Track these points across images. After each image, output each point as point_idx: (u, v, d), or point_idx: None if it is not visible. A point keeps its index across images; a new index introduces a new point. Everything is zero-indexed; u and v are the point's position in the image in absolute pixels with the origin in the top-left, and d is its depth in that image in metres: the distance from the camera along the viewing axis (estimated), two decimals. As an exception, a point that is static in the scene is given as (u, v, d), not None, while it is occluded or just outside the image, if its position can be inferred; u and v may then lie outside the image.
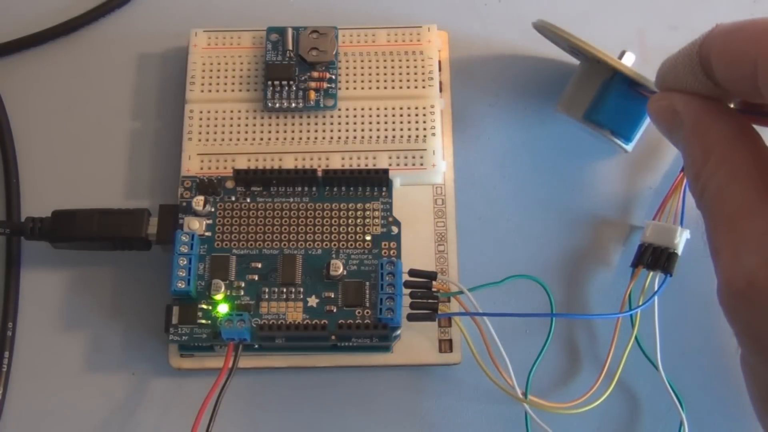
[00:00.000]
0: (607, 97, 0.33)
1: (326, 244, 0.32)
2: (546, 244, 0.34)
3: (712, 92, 0.25)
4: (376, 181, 0.33)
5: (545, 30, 0.34)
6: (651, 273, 0.32)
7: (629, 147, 0.33)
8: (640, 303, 0.31)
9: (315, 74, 0.34)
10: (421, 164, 0.34)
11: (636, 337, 0.32)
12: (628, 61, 0.33)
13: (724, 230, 0.23)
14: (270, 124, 0.34)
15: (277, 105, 0.34)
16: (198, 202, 0.32)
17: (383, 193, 0.33)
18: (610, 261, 0.34)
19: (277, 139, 0.34)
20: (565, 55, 0.37)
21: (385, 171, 0.33)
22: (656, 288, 0.31)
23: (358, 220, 0.33)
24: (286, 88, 0.34)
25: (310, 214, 0.33)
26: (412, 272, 0.31)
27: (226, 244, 0.32)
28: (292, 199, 0.33)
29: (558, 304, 0.31)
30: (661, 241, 0.32)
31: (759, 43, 0.22)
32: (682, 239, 0.32)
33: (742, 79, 0.23)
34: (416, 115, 0.34)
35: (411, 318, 0.30)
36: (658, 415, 0.32)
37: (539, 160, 0.35)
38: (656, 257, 0.32)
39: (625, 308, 0.32)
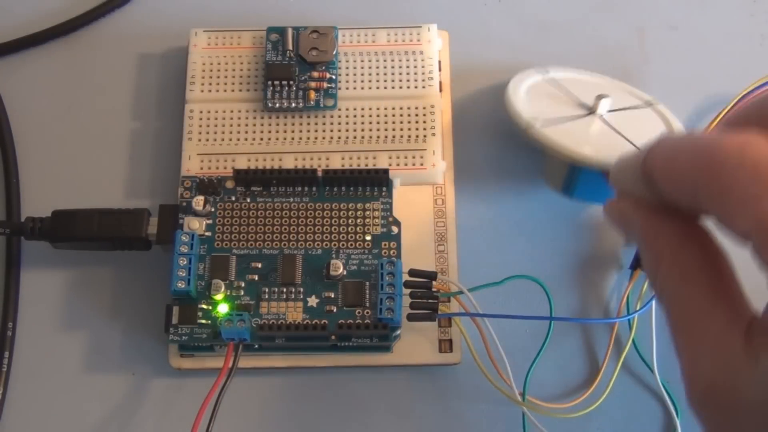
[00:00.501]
0: (577, 177, 0.32)
1: (326, 244, 0.32)
2: (546, 244, 0.34)
3: (657, 200, 0.25)
4: (376, 181, 0.33)
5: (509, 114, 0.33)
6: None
7: None
8: (638, 306, 0.31)
9: (315, 74, 0.34)
10: (421, 164, 0.34)
11: (633, 341, 0.32)
12: (605, 106, 0.33)
13: (681, 334, 0.23)
14: (270, 124, 0.34)
15: (277, 105, 0.34)
16: (198, 202, 0.32)
17: (383, 193, 0.33)
18: (610, 261, 0.34)
19: (277, 139, 0.34)
20: (565, 56, 0.37)
21: (385, 171, 0.33)
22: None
23: (358, 220, 0.33)
24: (286, 88, 0.34)
25: (310, 214, 0.33)
26: (412, 272, 0.31)
27: (226, 244, 0.32)
28: (292, 199, 0.33)
29: (557, 305, 0.31)
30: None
31: (697, 168, 0.23)
32: None
33: (684, 199, 0.24)
34: (416, 115, 0.34)
35: (411, 318, 0.30)
36: (653, 419, 0.32)
37: (539, 160, 0.35)
38: None
39: (623, 311, 0.32)
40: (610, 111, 0.33)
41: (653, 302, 0.31)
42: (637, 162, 0.25)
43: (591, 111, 0.33)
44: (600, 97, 0.33)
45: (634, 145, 0.32)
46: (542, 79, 0.34)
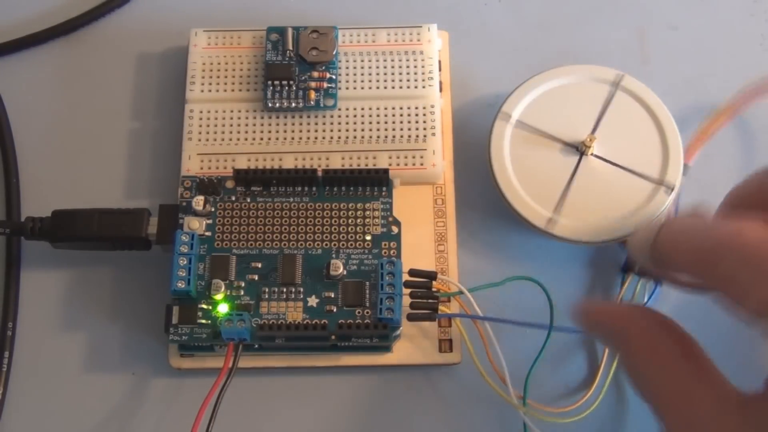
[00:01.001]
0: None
1: (326, 244, 0.32)
2: (546, 244, 0.34)
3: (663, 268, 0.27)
4: (376, 181, 0.33)
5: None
6: (641, 280, 0.32)
7: None
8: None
9: (315, 74, 0.34)
10: (421, 164, 0.34)
11: None
12: (594, 149, 0.33)
13: (673, 421, 0.24)
14: (270, 124, 0.34)
15: (277, 105, 0.34)
16: (198, 202, 0.32)
17: (383, 193, 0.33)
18: (609, 262, 0.34)
19: (277, 139, 0.34)
20: (565, 56, 0.37)
21: (385, 171, 0.33)
22: (646, 298, 0.32)
23: (358, 220, 0.32)
24: (286, 88, 0.34)
25: (310, 214, 0.33)
26: (412, 272, 0.31)
27: (226, 244, 0.32)
28: (292, 199, 0.33)
29: (557, 306, 0.31)
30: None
31: (700, 259, 0.24)
32: None
33: (694, 277, 0.26)
34: (416, 115, 0.34)
35: (411, 318, 0.30)
36: (650, 420, 0.32)
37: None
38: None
39: None
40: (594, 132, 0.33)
41: (649, 302, 0.31)
42: (649, 239, 0.27)
43: (580, 151, 0.33)
44: (584, 147, 0.33)
45: (634, 173, 0.32)
46: (513, 127, 0.33)
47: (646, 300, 0.32)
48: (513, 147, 0.33)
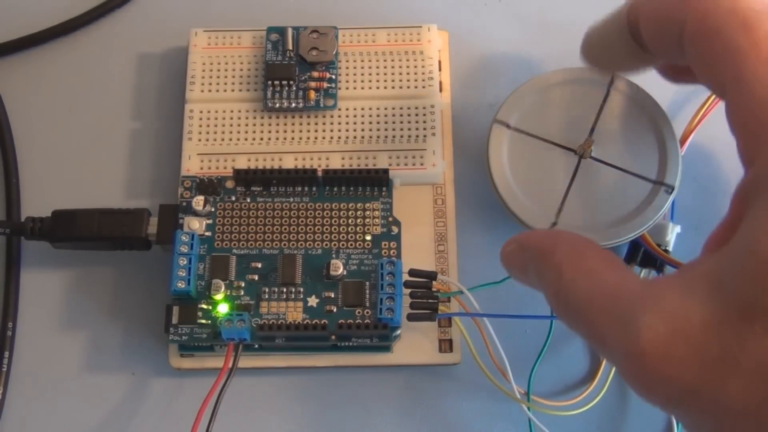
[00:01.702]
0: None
1: (326, 244, 0.32)
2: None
3: (638, 56, 0.26)
4: (376, 181, 0.33)
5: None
6: (643, 270, 0.32)
7: None
8: None
9: (315, 74, 0.34)
10: (421, 164, 0.34)
11: None
12: (592, 152, 0.33)
13: (602, 320, 0.22)
14: (270, 124, 0.34)
15: (277, 105, 0.34)
16: (198, 202, 0.32)
17: (383, 193, 0.33)
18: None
19: (277, 139, 0.34)
20: (565, 56, 0.37)
21: (385, 171, 0.33)
22: None
23: (358, 220, 0.33)
24: (286, 88, 0.34)
25: (310, 214, 0.33)
26: (412, 272, 0.31)
27: (226, 244, 0.32)
28: (292, 199, 0.33)
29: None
30: (653, 238, 0.32)
31: (688, 5, 0.23)
32: (673, 235, 0.32)
33: (669, 41, 0.24)
34: (416, 115, 0.34)
35: (411, 318, 0.30)
36: (653, 410, 0.32)
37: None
38: (648, 255, 0.32)
39: None
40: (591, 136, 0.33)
41: None
42: (620, 15, 0.26)
43: (579, 155, 0.33)
44: (582, 150, 0.33)
45: (633, 174, 0.32)
46: (510, 134, 0.33)
47: None
48: (511, 153, 0.33)
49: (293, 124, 0.34)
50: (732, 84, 0.21)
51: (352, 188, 0.33)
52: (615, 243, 0.31)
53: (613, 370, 0.32)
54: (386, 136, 0.34)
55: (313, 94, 0.34)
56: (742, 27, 0.21)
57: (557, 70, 0.34)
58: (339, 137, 0.34)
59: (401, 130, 0.34)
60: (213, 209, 0.33)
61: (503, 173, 0.32)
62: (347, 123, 0.34)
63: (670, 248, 0.32)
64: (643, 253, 0.32)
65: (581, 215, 0.32)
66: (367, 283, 0.32)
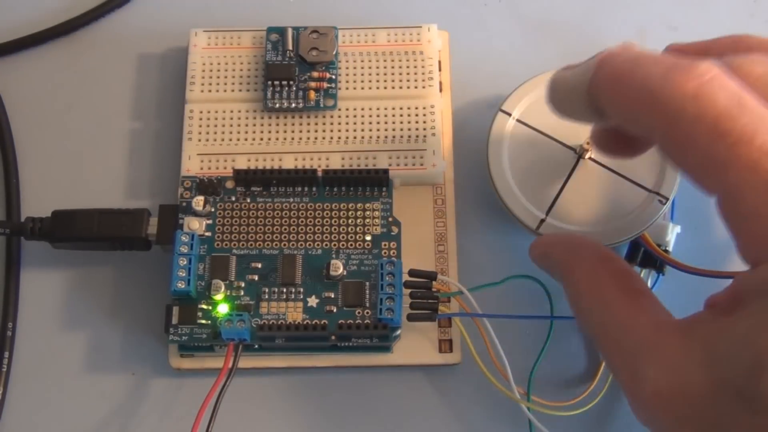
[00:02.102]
0: None
1: (326, 244, 0.32)
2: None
3: (601, 119, 0.25)
4: (376, 181, 0.33)
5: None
6: (644, 271, 0.32)
7: None
8: None
9: (315, 74, 0.34)
10: (421, 164, 0.34)
11: None
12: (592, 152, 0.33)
13: (614, 354, 0.24)
14: (270, 124, 0.34)
15: (277, 105, 0.34)
16: (198, 202, 0.32)
17: (383, 193, 0.33)
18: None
19: (277, 139, 0.34)
20: (565, 56, 0.37)
21: (385, 171, 0.33)
22: (649, 285, 0.32)
23: (358, 220, 0.32)
24: (286, 88, 0.34)
25: (310, 214, 0.33)
26: (412, 272, 0.31)
27: (226, 244, 0.32)
28: (292, 199, 0.33)
29: (557, 303, 0.31)
30: (653, 238, 0.32)
31: (651, 109, 0.22)
32: (673, 235, 0.32)
33: (638, 132, 0.24)
34: (416, 115, 0.34)
35: (411, 318, 0.30)
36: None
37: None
38: (648, 255, 0.32)
39: None
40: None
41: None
42: (581, 85, 0.24)
43: (578, 154, 0.33)
44: (582, 150, 0.33)
45: (629, 180, 0.32)
46: (512, 125, 0.33)
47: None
48: (511, 144, 0.33)
49: (293, 124, 0.34)
50: (722, 193, 0.21)
51: (352, 188, 0.33)
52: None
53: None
54: (386, 136, 0.34)
55: (313, 94, 0.34)
56: (713, 133, 0.20)
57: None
58: (339, 137, 0.34)
59: (401, 130, 0.34)
60: (213, 209, 0.33)
61: (500, 162, 0.32)
62: (347, 123, 0.34)
63: (671, 248, 0.32)
64: (643, 253, 0.32)
65: (572, 214, 0.32)
66: (367, 283, 0.32)
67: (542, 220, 0.32)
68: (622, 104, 0.23)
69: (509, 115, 0.33)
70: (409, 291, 0.31)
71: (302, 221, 0.32)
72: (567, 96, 0.25)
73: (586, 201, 0.32)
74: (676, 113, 0.21)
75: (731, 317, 0.21)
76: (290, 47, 0.35)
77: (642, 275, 0.32)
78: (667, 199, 0.31)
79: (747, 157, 0.20)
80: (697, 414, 0.21)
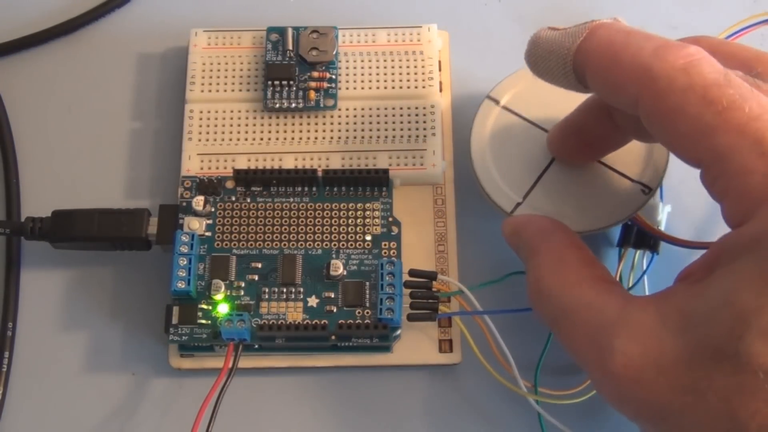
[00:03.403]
0: None
1: (326, 244, 0.32)
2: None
3: (577, 88, 0.25)
4: (376, 181, 0.33)
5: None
6: (638, 252, 0.32)
7: None
8: (630, 282, 0.32)
9: (315, 74, 0.34)
10: (421, 164, 0.34)
11: None
12: None
13: (578, 333, 0.24)
14: (270, 124, 0.34)
15: (277, 105, 0.34)
16: (198, 202, 0.32)
17: (383, 193, 0.33)
18: (604, 241, 0.34)
19: (277, 139, 0.34)
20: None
21: (385, 171, 0.33)
22: (644, 267, 0.32)
23: (358, 220, 0.33)
24: (286, 88, 0.34)
25: (310, 214, 0.33)
26: (412, 272, 0.31)
27: (226, 244, 0.32)
28: (292, 199, 0.33)
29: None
30: (645, 218, 0.32)
31: (639, 81, 0.22)
32: (664, 214, 0.32)
33: (622, 106, 0.24)
34: (416, 115, 0.34)
35: (411, 318, 0.30)
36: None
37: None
38: (641, 236, 0.32)
39: None
40: None
41: (645, 277, 0.32)
42: (567, 49, 0.24)
43: None
44: None
45: (612, 169, 0.32)
46: (498, 111, 0.33)
47: (644, 269, 0.32)
48: (494, 130, 0.33)
49: (293, 124, 0.34)
50: (708, 158, 0.22)
51: (352, 188, 0.33)
52: (580, 233, 0.31)
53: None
54: (386, 136, 0.34)
55: (313, 94, 0.34)
56: (702, 102, 0.21)
57: None
58: (339, 137, 0.34)
59: (401, 130, 0.34)
60: (213, 209, 0.33)
61: (482, 146, 0.32)
62: (347, 123, 0.34)
63: (662, 228, 0.32)
64: (637, 233, 0.32)
65: (550, 199, 0.32)
66: (367, 283, 0.32)
67: (518, 204, 0.31)
68: (611, 73, 0.23)
69: (497, 102, 0.33)
70: (409, 291, 0.31)
71: (302, 221, 0.32)
72: (548, 55, 0.26)
73: (567, 189, 0.32)
74: (666, 83, 0.22)
75: (708, 280, 0.21)
76: (290, 47, 0.35)
77: (636, 257, 0.32)
78: (651, 189, 0.31)
79: (735, 121, 0.21)
80: (670, 382, 0.21)
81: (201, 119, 0.34)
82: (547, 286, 0.25)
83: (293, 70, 0.35)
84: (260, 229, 0.32)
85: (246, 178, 0.33)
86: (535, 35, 0.26)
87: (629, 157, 0.32)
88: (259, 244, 0.32)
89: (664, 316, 0.22)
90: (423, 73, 0.35)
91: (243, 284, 0.32)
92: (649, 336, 0.21)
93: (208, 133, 0.34)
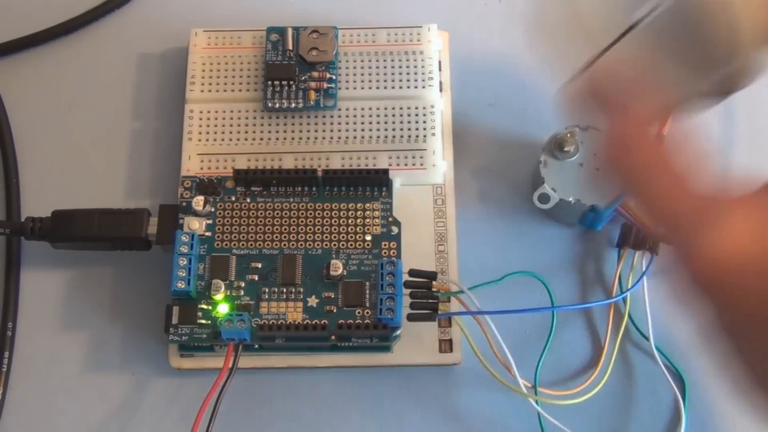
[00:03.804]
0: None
1: (326, 244, 0.32)
2: (545, 241, 0.34)
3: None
4: (376, 181, 0.33)
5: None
6: (637, 253, 0.33)
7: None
8: (630, 283, 0.32)
9: (315, 74, 0.34)
10: (421, 164, 0.34)
11: (629, 316, 0.32)
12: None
13: (682, 203, 0.22)
14: (270, 124, 0.34)
15: (277, 105, 0.34)
16: (198, 202, 0.32)
17: (383, 193, 0.33)
18: (604, 242, 0.34)
19: (277, 139, 0.34)
20: (565, 57, 0.37)
21: (385, 171, 0.33)
22: (644, 268, 0.32)
23: (358, 220, 0.32)
24: (286, 88, 0.34)
25: (310, 214, 0.33)
26: (412, 272, 0.31)
27: (226, 244, 0.32)
28: (292, 199, 0.33)
29: (558, 298, 0.31)
30: (644, 219, 0.32)
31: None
32: None
33: None
34: (416, 115, 0.34)
35: (411, 318, 0.30)
36: (658, 387, 0.32)
37: (536, 160, 0.35)
38: (640, 236, 0.32)
39: (616, 291, 0.33)
40: None
41: (644, 278, 0.32)
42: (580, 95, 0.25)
43: None
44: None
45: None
46: None
47: (644, 270, 0.32)
48: None
49: (293, 124, 0.34)
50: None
51: (352, 188, 0.33)
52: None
53: (615, 352, 0.32)
54: (386, 136, 0.34)
55: (313, 94, 0.34)
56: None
57: None
58: (339, 137, 0.34)
59: (401, 130, 0.34)
60: (213, 209, 0.33)
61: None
62: (347, 123, 0.34)
63: None
64: (636, 235, 0.32)
65: None
66: (367, 283, 0.32)
67: None
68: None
69: None
70: (409, 291, 0.30)
71: (302, 221, 0.32)
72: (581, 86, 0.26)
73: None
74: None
75: None
76: (290, 47, 0.35)
77: (636, 258, 0.32)
78: None
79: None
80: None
81: (201, 119, 0.34)
82: (635, 140, 0.23)
83: (293, 70, 0.35)
84: (260, 229, 0.32)
85: (246, 178, 0.33)
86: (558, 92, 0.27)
87: None
88: (259, 244, 0.32)
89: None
90: (423, 73, 0.35)
91: (243, 284, 0.32)
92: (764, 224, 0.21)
93: (208, 133, 0.34)
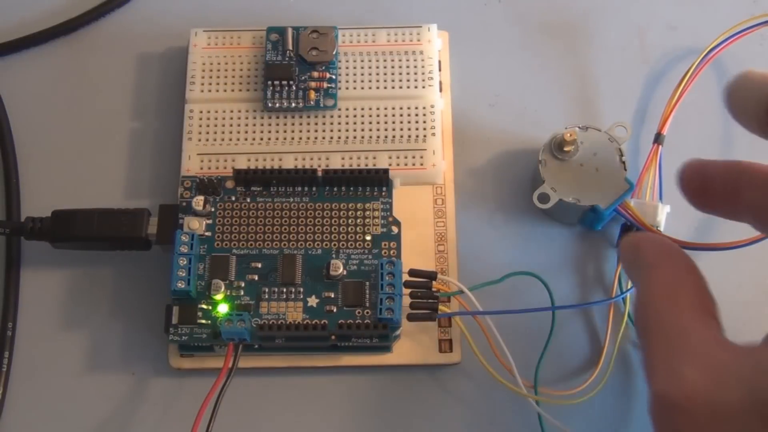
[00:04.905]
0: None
1: (326, 244, 0.32)
2: (546, 241, 0.34)
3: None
4: (376, 181, 0.33)
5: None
6: None
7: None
8: (630, 283, 0.32)
9: (315, 74, 0.34)
10: (421, 164, 0.34)
11: (629, 315, 0.32)
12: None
13: (660, 347, 0.24)
14: (270, 124, 0.34)
15: (277, 105, 0.34)
16: (198, 202, 0.32)
17: (383, 193, 0.33)
18: (604, 244, 0.34)
19: (277, 139, 0.34)
20: (565, 57, 0.37)
21: (385, 171, 0.33)
22: None
23: (358, 220, 0.32)
24: (286, 88, 0.34)
25: (310, 214, 0.33)
26: (412, 272, 0.31)
27: (226, 244, 0.32)
28: (292, 199, 0.33)
29: (558, 298, 0.31)
30: (644, 218, 0.32)
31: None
32: (663, 215, 0.32)
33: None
34: (416, 115, 0.34)
35: (411, 318, 0.30)
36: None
37: (535, 160, 0.35)
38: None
39: (616, 290, 0.33)
40: None
41: None
42: (761, 97, 0.25)
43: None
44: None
45: None
46: None
47: None
48: None
49: (293, 124, 0.34)
50: None
51: (352, 188, 0.33)
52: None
53: (615, 352, 0.32)
54: (386, 136, 0.34)
55: (313, 94, 0.34)
56: None
57: None
58: (339, 137, 0.34)
59: (401, 130, 0.34)
60: (213, 209, 0.33)
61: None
62: (347, 123, 0.34)
63: (662, 228, 0.32)
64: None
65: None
66: (367, 283, 0.32)
67: None
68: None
69: None
70: (409, 291, 0.30)
71: (302, 221, 0.32)
72: (746, 93, 0.26)
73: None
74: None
75: (759, 349, 0.22)
76: (290, 47, 0.35)
77: None
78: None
79: None
80: (718, 426, 0.22)
81: (201, 119, 0.34)
82: (657, 306, 0.25)
83: (293, 70, 0.35)
84: (260, 229, 0.32)
85: (246, 178, 0.33)
86: (745, 71, 0.26)
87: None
88: (259, 244, 0.32)
89: (741, 365, 0.22)
90: (423, 73, 0.35)
91: (243, 284, 0.32)
92: (721, 377, 0.22)
93: (208, 133, 0.34)
